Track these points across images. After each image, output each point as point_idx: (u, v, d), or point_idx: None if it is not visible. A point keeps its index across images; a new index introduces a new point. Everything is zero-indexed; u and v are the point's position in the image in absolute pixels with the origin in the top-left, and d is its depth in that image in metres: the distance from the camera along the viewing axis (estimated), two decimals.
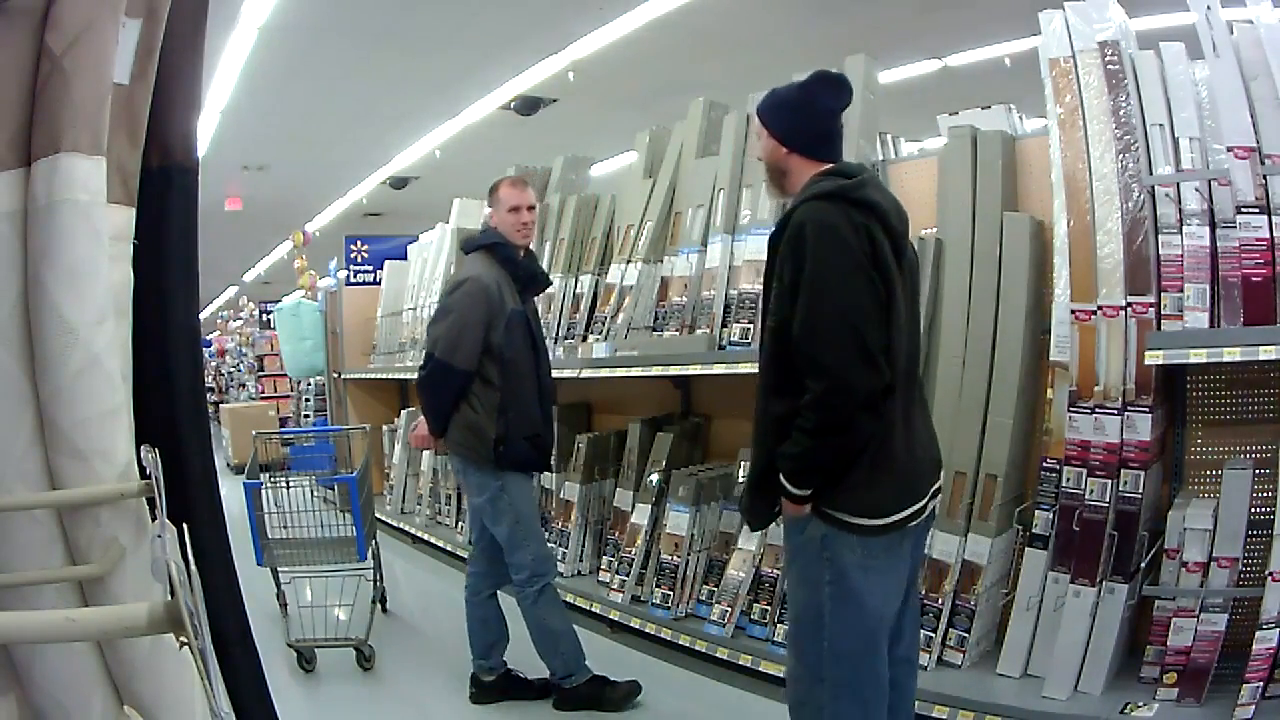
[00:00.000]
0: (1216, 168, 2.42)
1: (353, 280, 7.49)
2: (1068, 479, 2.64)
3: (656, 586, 3.66)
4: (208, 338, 18.45)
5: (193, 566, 0.90)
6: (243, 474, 4.11)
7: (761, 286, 2.28)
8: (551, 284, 3.81)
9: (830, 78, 2.06)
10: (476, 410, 3.06)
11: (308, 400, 9.15)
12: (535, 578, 3.12)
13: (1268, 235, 2.30)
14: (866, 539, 1.90)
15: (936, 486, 2.07)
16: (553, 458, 4.51)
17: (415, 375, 3.31)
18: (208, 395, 14.19)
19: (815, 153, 2.03)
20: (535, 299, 3.39)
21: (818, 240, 1.85)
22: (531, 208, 3.17)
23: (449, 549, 5.38)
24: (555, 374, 4.26)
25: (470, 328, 3.01)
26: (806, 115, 2.04)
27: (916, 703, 2.70)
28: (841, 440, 1.86)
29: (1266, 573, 2.26)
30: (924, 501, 2.00)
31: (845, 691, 1.95)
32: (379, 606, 4.08)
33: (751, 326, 3.28)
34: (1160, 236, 2.50)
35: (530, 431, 3.11)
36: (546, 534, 4.46)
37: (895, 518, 1.92)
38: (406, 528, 6.11)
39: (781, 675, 2.40)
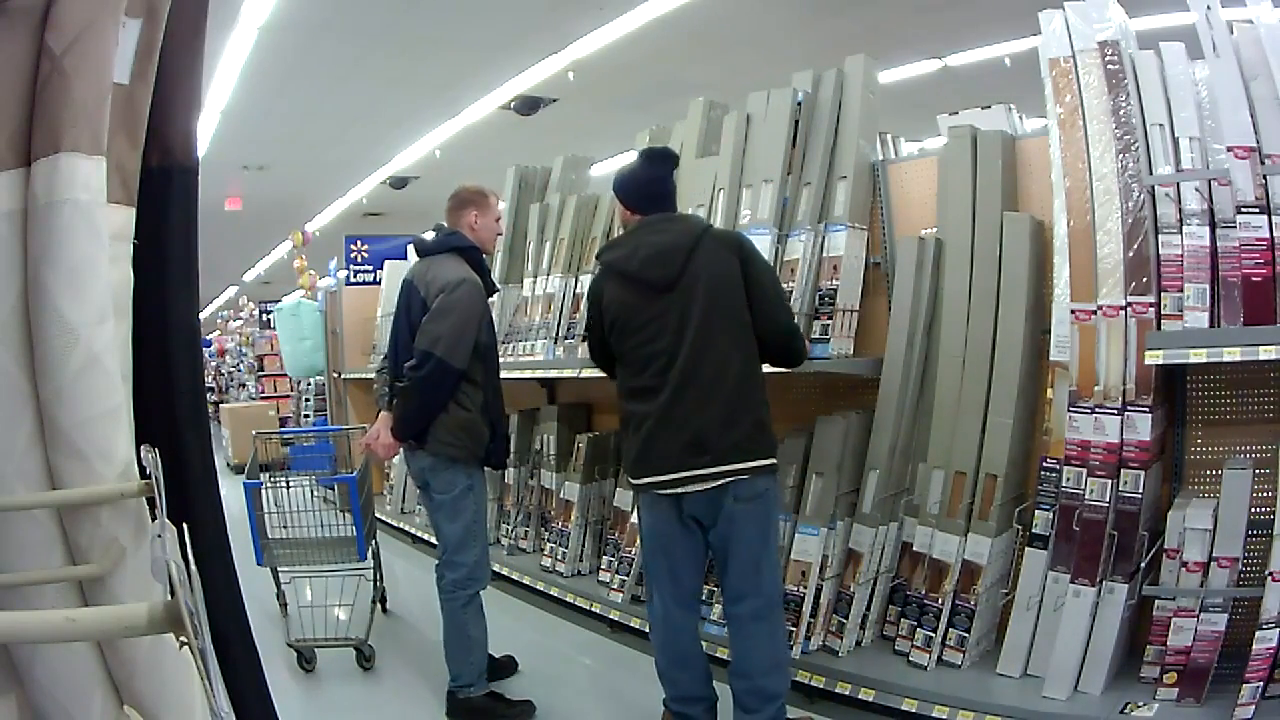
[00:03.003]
0: (1216, 168, 2.42)
1: (353, 280, 7.48)
2: (1068, 479, 2.63)
3: None
4: (208, 338, 18.46)
5: (193, 566, 0.89)
6: (243, 474, 4.11)
7: None
8: (499, 289, 3.81)
9: (648, 153, 2.80)
10: (469, 409, 3.07)
11: (308, 400, 9.15)
12: (471, 581, 3.13)
13: (1268, 235, 2.30)
14: (638, 492, 2.74)
15: (697, 472, 2.51)
16: (552, 458, 4.57)
17: (403, 378, 3.12)
18: (208, 395, 14.19)
19: (637, 208, 2.75)
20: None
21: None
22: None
23: None
24: (555, 374, 4.30)
25: (470, 328, 3.03)
26: (628, 183, 2.78)
27: (916, 702, 2.72)
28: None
29: (1266, 573, 2.26)
30: (663, 477, 2.55)
31: (648, 599, 2.81)
32: (379, 606, 4.08)
33: None
34: (1160, 236, 2.50)
35: (504, 429, 3.24)
36: (546, 534, 4.48)
37: (638, 481, 2.64)
38: (406, 528, 6.11)
39: None
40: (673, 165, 2.82)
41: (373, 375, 6.79)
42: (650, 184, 2.75)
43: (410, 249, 6.65)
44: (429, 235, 3.51)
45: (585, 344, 2.92)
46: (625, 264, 2.66)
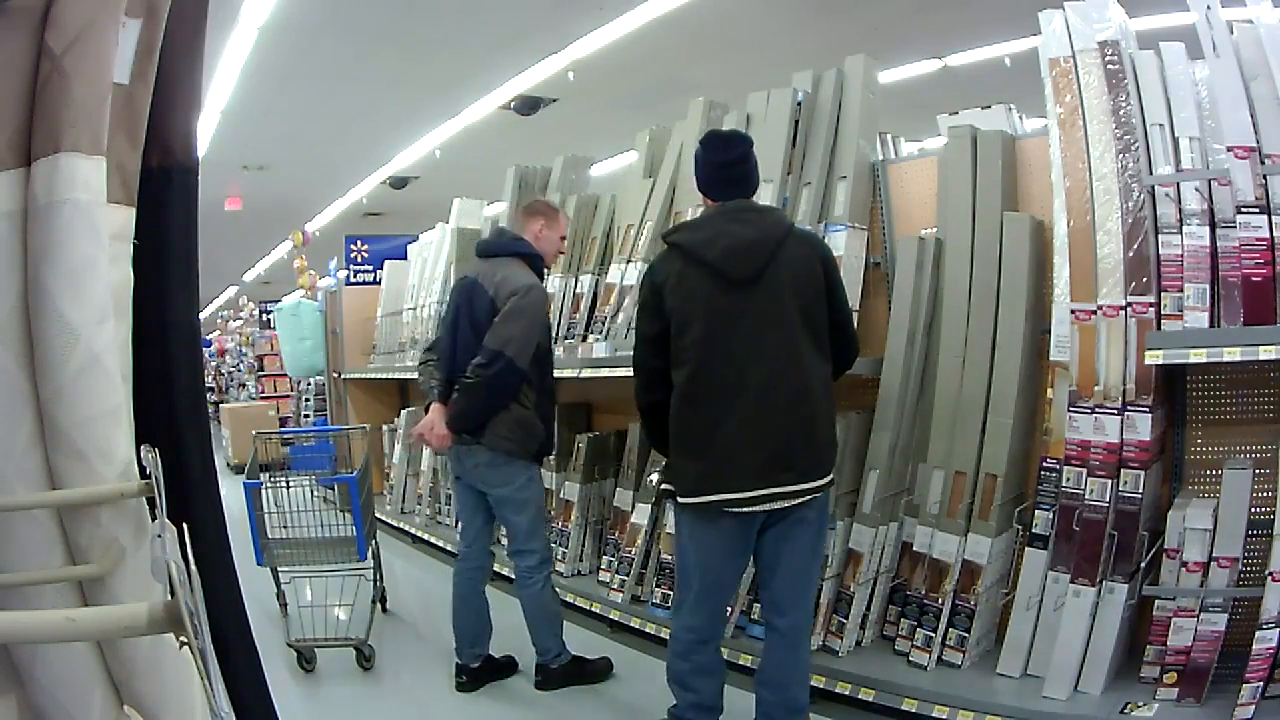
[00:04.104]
0: (1216, 168, 2.42)
1: (353, 280, 7.49)
2: (1068, 479, 2.64)
3: (656, 586, 3.66)
4: (208, 338, 18.45)
5: (193, 566, 0.89)
6: (243, 474, 4.11)
7: None
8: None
9: (715, 136, 2.68)
10: (527, 407, 3.22)
11: (308, 400, 9.15)
12: (544, 563, 3.33)
13: (1268, 235, 2.30)
14: (684, 512, 2.51)
15: (779, 489, 2.36)
16: (552, 458, 4.56)
17: (468, 374, 3.13)
18: (208, 395, 14.19)
19: (712, 194, 2.59)
20: None
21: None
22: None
23: (449, 549, 5.37)
24: (555, 374, 4.29)
25: (535, 331, 3.18)
26: (701, 168, 2.62)
27: (916, 702, 2.72)
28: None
29: (1266, 573, 2.26)
30: (740, 495, 2.36)
31: (677, 606, 2.73)
32: (379, 606, 4.08)
33: None
34: (1160, 236, 2.50)
35: (553, 426, 3.39)
36: (547, 534, 4.49)
37: (707, 499, 2.40)
38: (406, 528, 6.11)
39: None
40: (749, 144, 2.61)
41: (373, 375, 6.89)
42: (730, 166, 2.55)
43: (411, 249, 6.68)
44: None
45: (636, 330, 2.62)
46: (702, 251, 2.43)
